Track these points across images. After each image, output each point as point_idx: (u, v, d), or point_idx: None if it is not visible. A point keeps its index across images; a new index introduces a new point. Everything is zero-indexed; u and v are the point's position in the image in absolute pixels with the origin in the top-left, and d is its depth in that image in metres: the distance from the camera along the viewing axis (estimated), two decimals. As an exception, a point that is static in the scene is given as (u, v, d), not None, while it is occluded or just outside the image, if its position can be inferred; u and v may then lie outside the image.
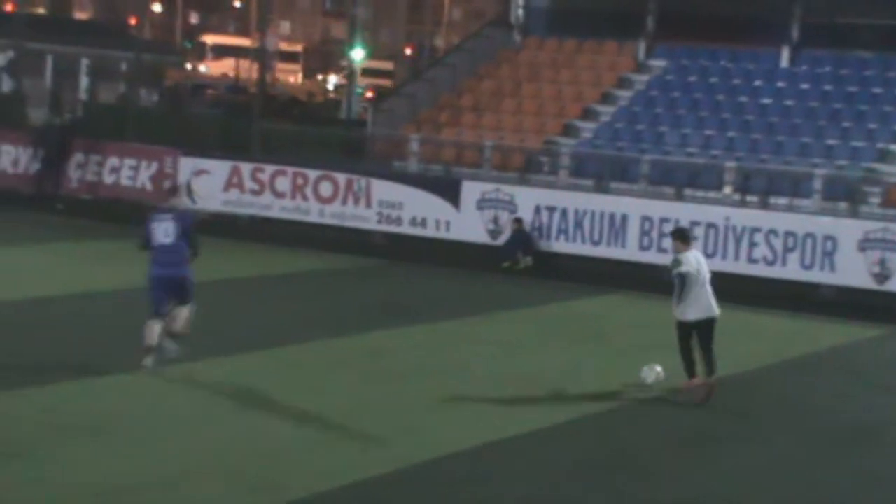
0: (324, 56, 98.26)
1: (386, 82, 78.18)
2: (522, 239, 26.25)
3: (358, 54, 58.37)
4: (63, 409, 13.64)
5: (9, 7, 67.13)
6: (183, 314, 15.68)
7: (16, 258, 23.43)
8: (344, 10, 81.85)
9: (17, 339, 16.82)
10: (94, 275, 22.21)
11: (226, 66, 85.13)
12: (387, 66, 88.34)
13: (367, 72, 77.50)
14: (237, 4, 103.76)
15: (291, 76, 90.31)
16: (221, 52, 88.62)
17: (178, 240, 15.62)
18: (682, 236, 16.39)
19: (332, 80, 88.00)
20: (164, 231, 15.66)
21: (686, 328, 16.00)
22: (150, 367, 15.33)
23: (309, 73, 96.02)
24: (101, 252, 24.87)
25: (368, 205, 27.87)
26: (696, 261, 16.06)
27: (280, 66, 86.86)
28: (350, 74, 54.34)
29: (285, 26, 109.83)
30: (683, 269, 15.83)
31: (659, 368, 16.60)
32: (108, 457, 12.14)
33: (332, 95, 74.46)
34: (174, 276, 15.62)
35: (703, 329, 16.01)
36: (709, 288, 16.05)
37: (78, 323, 18.15)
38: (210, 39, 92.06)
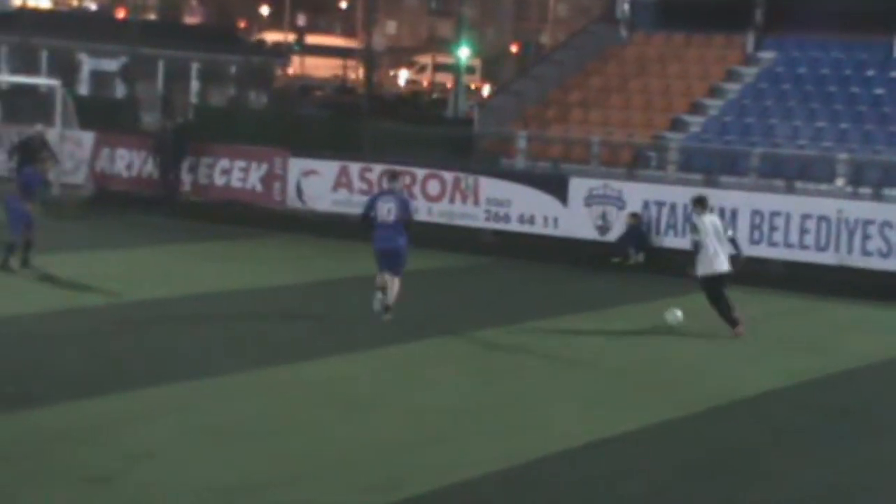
0: (394, 52, 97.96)
1: (473, 80, 77.54)
2: (637, 235, 26.11)
3: (464, 52, 58.41)
4: (185, 410, 13.86)
5: (121, 14, 68.45)
6: (395, 286, 18.57)
7: (132, 259, 23.86)
8: (450, 9, 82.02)
9: (138, 340, 17.15)
10: (209, 276, 22.57)
11: (311, 66, 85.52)
12: (473, 62, 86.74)
13: (450, 68, 77.14)
14: (343, 5, 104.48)
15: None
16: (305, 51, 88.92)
17: (398, 219, 18.55)
18: (701, 202, 19.04)
19: (403, 76, 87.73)
20: (387, 210, 18.58)
21: (707, 283, 18.61)
22: (385, 317, 18.39)
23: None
24: (215, 253, 25.26)
25: (476, 202, 27.94)
26: (711, 225, 18.71)
27: (350, 62, 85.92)
28: (458, 72, 54.46)
29: (391, 26, 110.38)
30: (699, 236, 18.56)
31: (679, 312, 18.96)
32: (229, 456, 12.31)
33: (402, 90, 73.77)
34: (394, 247, 18.58)
35: (712, 283, 18.56)
36: (721, 248, 18.57)
37: (196, 323, 18.45)
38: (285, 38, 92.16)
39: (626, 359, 17.54)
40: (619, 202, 26.59)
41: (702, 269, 18.60)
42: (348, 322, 19.12)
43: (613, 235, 26.49)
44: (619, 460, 12.87)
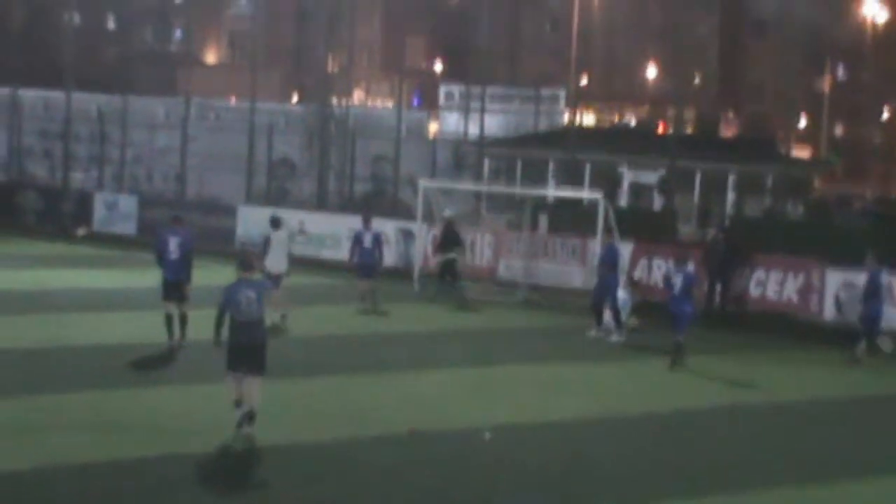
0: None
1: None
2: None
3: None
4: None
5: (660, 128, 70.30)
6: None
7: (651, 371, 24.20)
8: None
9: (674, 447, 17.50)
10: (743, 387, 22.54)
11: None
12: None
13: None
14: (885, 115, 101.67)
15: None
16: None
17: None
18: None
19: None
20: None
21: None
22: None
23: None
24: (751, 364, 25.12)
25: None
26: None
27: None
28: None
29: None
30: None
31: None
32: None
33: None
34: None
35: None
36: None
37: (726, 433, 18.55)
38: None
39: None
40: None
41: None
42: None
43: None
44: None
